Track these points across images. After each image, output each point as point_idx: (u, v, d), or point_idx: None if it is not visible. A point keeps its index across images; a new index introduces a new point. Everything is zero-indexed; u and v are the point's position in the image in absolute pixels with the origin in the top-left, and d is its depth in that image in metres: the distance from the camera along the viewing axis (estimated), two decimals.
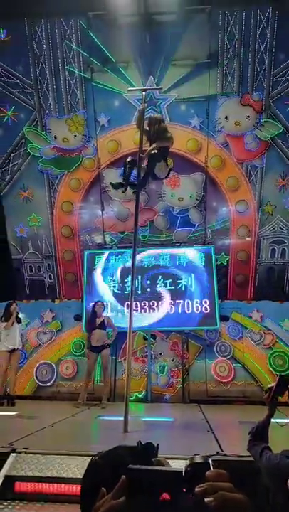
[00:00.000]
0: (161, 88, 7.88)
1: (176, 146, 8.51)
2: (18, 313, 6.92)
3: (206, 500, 0.59)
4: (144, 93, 5.80)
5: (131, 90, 7.09)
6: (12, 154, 8.62)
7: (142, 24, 7.94)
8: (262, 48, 8.01)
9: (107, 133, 8.47)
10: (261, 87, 8.12)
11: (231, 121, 8.25)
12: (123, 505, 0.64)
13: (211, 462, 0.65)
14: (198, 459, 0.66)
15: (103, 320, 6.79)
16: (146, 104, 5.64)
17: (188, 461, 0.65)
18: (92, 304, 7.18)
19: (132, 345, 4.36)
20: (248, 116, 8.18)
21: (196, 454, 0.67)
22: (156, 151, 5.32)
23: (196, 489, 0.60)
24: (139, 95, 6.55)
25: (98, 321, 6.75)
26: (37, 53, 8.30)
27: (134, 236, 5.24)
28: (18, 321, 6.88)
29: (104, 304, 7.24)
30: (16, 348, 6.74)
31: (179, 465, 0.69)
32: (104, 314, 6.96)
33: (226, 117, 8.28)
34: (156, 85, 8.28)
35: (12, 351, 6.68)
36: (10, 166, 8.62)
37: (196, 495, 0.60)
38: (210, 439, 4.06)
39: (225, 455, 3.24)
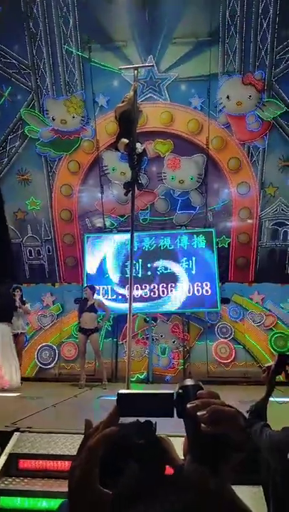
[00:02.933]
0: (152, 65, 7.76)
1: (177, 127, 8.42)
2: (21, 298, 6.91)
3: (198, 414, 0.58)
4: (135, 71, 5.65)
5: (123, 68, 6.91)
6: (9, 137, 8.50)
7: (141, 1, 7.72)
8: (264, 25, 7.81)
9: (106, 114, 8.31)
10: (264, 65, 7.95)
11: (233, 101, 8.10)
12: (115, 433, 0.63)
13: (201, 385, 0.64)
14: (189, 382, 0.65)
15: (93, 303, 6.80)
16: (137, 83, 5.51)
17: (178, 384, 0.65)
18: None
19: (132, 328, 4.38)
20: (250, 96, 8.02)
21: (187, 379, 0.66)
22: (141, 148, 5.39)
23: (188, 405, 0.60)
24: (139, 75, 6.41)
25: (88, 303, 6.77)
26: (33, 32, 8.10)
27: (131, 238, 5.14)
28: (20, 306, 6.86)
29: (95, 287, 7.20)
30: (19, 332, 6.79)
31: (178, 443, 0.70)
32: (95, 297, 6.95)
33: (228, 97, 8.13)
34: (156, 65, 8.12)
35: (16, 335, 6.72)
36: (7, 148, 8.51)
37: (189, 411, 0.59)
38: None
39: None
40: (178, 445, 0.70)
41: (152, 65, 7.84)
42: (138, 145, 5.36)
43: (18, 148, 8.53)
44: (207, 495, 0.58)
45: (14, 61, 8.23)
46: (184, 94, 8.33)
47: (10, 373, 6.09)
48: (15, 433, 3.17)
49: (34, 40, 8.13)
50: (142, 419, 0.70)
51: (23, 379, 6.60)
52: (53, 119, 8.41)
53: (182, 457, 0.65)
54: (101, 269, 8.07)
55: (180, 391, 0.63)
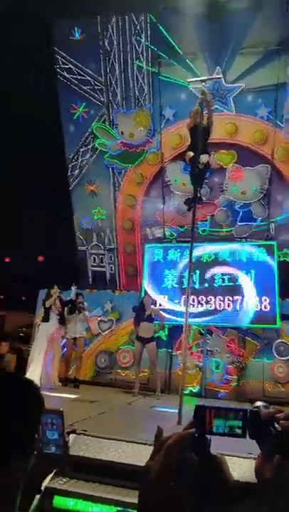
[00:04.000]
0: (220, 77, 7.70)
1: (241, 137, 8.33)
2: (80, 303, 7.16)
3: (277, 415, 0.64)
4: (203, 83, 5.69)
5: (191, 81, 6.97)
6: (81, 149, 9.01)
7: (211, 14, 7.78)
8: None
9: (171, 126, 8.49)
10: None
11: None
12: (192, 436, 0.68)
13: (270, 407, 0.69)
14: (260, 403, 0.70)
15: (151, 313, 6.88)
16: (206, 96, 5.55)
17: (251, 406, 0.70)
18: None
19: (187, 339, 4.42)
20: None
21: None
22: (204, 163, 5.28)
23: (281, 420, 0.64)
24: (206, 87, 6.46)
25: (146, 313, 6.85)
26: (108, 50, 8.53)
27: (190, 249, 5.18)
28: (80, 312, 7.08)
29: (152, 297, 7.28)
30: (76, 336, 7.06)
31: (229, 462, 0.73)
32: (152, 307, 7.05)
33: None
34: (223, 75, 8.10)
35: (75, 339, 7.04)
36: (79, 161, 9.02)
37: (270, 414, 0.64)
38: None
39: None
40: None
41: (220, 77, 7.82)
42: (203, 157, 5.29)
43: (89, 160, 9.01)
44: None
45: (89, 78, 8.73)
46: (250, 105, 8.23)
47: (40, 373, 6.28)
48: (71, 435, 3.36)
49: (108, 57, 8.57)
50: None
51: (81, 382, 6.89)
52: (122, 133, 8.77)
53: (253, 478, 0.68)
54: (159, 278, 8.20)
55: (253, 410, 0.67)
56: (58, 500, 2.82)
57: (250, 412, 0.67)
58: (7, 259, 13.70)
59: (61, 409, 1.28)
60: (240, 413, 0.69)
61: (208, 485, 0.68)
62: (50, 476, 3.07)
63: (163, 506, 0.64)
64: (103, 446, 3.30)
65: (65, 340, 7.21)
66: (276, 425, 0.63)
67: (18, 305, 12.73)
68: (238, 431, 0.68)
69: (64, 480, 3.05)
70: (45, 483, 3.04)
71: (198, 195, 5.43)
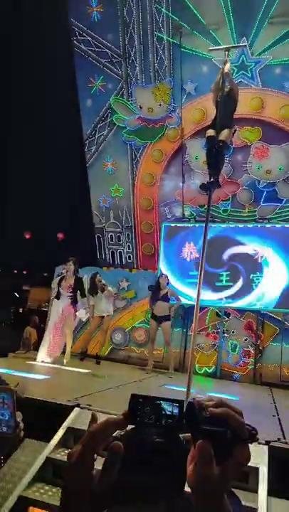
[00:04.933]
0: (245, 45, 7.27)
1: (268, 113, 7.93)
2: (101, 282, 6.97)
3: (207, 402, 0.60)
4: (226, 52, 5.31)
5: (213, 50, 6.54)
6: (99, 125, 8.86)
7: None
8: None
9: (193, 101, 8.18)
10: None
11: None
12: (122, 424, 0.64)
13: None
14: (201, 396, 0.65)
15: (166, 292, 6.82)
16: (229, 65, 5.13)
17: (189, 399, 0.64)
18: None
19: (197, 320, 4.31)
20: None
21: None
22: (223, 139, 4.68)
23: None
24: (229, 58, 6.10)
25: (162, 292, 6.80)
26: (127, 20, 8.23)
27: (204, 243, 4.63)
28: (102, 290, 6.91)
29: (168, 277, 7.15)
30: (104, 315, 7.00)
31: None
32: (168, 286, 6.95)
33: None
34: (249, 47, 7.66)
35: (102, 317, 7.01)
36: (96, 136, 8.89)
37: (198, 402, 0.60)
38: (274, 423, 3.92)
39: (286, 443, 3.10)
40: None
41: (245, 45, 7.35)
42: (223, 133, 4.71)
43: (106, 136, 8.86)
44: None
45: (107, 50, 8.49)
46: (278, 79, 7.80)
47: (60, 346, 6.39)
48: (75, 408, 3.38)
49: (127, 28, 8.27)
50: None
51: (96, 357, 6.96)
52: (140, 107, 8.53)
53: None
54: (177, 258, 8.07)
55: (190, 401, 0.62)
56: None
57: (188, 403, 0.61)
58: (28, 236, 13.91)
59: (13, 387, 1.21)
60: (177, 404, 0.65)
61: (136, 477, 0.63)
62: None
63: (82, 496, 0.60)
64: None
65: (88, 316, 7.17)
66: (206, 412, 0.59)
67: (41, 280, 12.99)
68: (174, 423, 0.64)
69: (66, 451, 3.08)
70: (46, 453, 3.09)
71: (214, 179, 4.71)
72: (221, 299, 7.60)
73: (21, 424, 1.15)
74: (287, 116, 7.78)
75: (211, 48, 6.55)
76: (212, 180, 4.63)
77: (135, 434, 0.65)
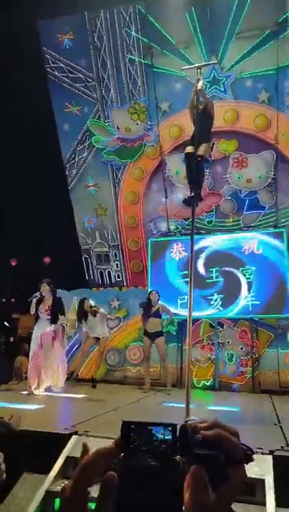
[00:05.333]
0: (216, 62, 7.49)
1: (243, 124, 8.12)
2: (91, 307, 6.84)
3: (199, 424, 0.58)
4: (198, 70, 5.47)
5: (185, 68, 6.75)
6: (78, 148, 8.94)
7: (202, 0, 7.60)
8: None
9: (169, 118, 8.34)
10: None
11: None
12: (114, 453, 0.61)
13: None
14: (194, 417, 0.62)
15: (158, 308, 6.78)
16: (201, 83, 5.26)
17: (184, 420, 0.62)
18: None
19: (190, 332, 4.28)
20: None
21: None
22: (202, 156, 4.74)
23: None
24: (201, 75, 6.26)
25: (153, 309, 6.76)
26: (98, 45, 8.42)
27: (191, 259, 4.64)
28: (94, 314, 6.80)
29: (158, 292, 7.00)
30: (99, 337, 6.88)
31: None
32: (159, 302, 6.91)
33: None
34: (220, 62, 7.89)
35: (98, 339, 6.89)
36: (76, 160, 8.96)
37: (191, 425, 0.58)
38: (276, 432, 3.86)
39: None
40: None
41: (216, 62, 7.61)
42: (201, 148, 4.77)
43: (86, 158, 8.93)
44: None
45: (80, 75, 8.64)
46: (250, 90, 8.01)
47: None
48: (72, 436, 3.29)
49: (99, 53, 8.45)
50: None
51: (92, 380, 6.83)
52: (118, 128, 8.66)
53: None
54: (165, 273, 8.08)
55: (182, 424, 0.60)
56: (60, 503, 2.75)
57: (180, 426, 0.60)
58: (14, 263, 13.78)
59: (7, 420, 1.20)
60: (169, 428, 0.62)
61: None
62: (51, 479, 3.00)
63: None
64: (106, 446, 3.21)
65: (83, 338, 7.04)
66: (198, 436, 0.57)
67: (29, 307, 12.78)
68: (167, 449, 0.61)
69: (66, 482, 2.97)
70: (46, 486, 2.99)
71: (196, 193, 4.75)
72: (212, 304, 7.58)
73: (2, 466, 1.11)
74: (262, 126, 7.98)
75: (183, 68, 6.74)
76: (194, 194, 4.67)
77: (128, 460, 0.62)
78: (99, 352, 6.94)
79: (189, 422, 0.59)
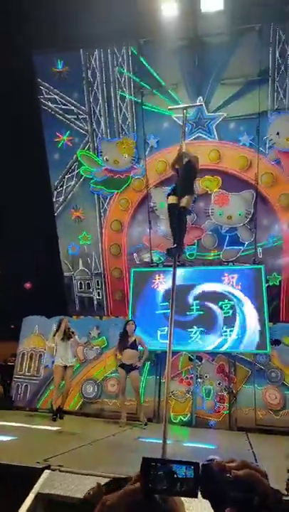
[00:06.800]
0: (202, 104, 7.91)
1: (225, 164, 8.47)
2: (69, 329, 6.91)
3: (228, 464, 0.58)
4: (184, 111, 5.75)
5: (172, 108, 7.09)
6: (66, 176, 9.10)
7: (191, 47, 8.10)
8: None
9: (156, 153, 8.64)
10: None
11: (283, 138, 8.04)
12: (137, 493, 0.60)
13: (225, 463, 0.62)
14: (212, 457, 0.64)
15: (135, 340, 6.69)
16: (185, 146, 5.35)
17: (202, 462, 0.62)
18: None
19: (170, 366, 4.27)
20: None
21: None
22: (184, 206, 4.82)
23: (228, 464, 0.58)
24: (187, 115, 6.59)
25: (130, 340, 6.66)
26: (91, 81, 8.77)
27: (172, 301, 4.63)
28: (68, 337, 6.86)
29: (135, 323, 6.99)
30: (67, 365, 6.79)
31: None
32: (136, 334, 6.84)
33: (278, 133, 8.09)
34: (205, 105, 8.32)
35: (65, 367, 6.76)
36: (64, 187, 9.09)
37: (219, 464, 0.58)
38: None
39: None
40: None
41: (201, 104, 8.02)
42: (184, 200, 4.77)
43: (74, 187, 9.08)
44: None
45: (73, 108, 8.93)
46: (232, 132, 8.42)
47: None
48: (45, 471, 3.18)
49: (91, 88, 8.80)
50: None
51: (67, 413, 6.62)
52: (106, 160, 8.89)
53: None
54: (146, 303, 8.09)
55: (205, 464, 0.60)
56: None
57: (202, 466, 0.59)
58: (28, 286, 13.45)
59: None
60: (192, 467, 0.61)
61: None
62: None
63: None
64: (79, 482, 3.11)
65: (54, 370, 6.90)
66: (228, 475, 0.56)
67: (7, 334, 12.43)
68: (189, 489, 0.60)
69: None
70: None
71: (178, 244, 4.69)
72: (191, 337, 7.59)
73: None
74: (243, 166, 8.35)
75: (170, 107, 7.10)
76: (176, 245, 4.66)
77: (147, 501, 0.61)
78: (66, 380, 6.77)
79: (216, 461, 0.58)
